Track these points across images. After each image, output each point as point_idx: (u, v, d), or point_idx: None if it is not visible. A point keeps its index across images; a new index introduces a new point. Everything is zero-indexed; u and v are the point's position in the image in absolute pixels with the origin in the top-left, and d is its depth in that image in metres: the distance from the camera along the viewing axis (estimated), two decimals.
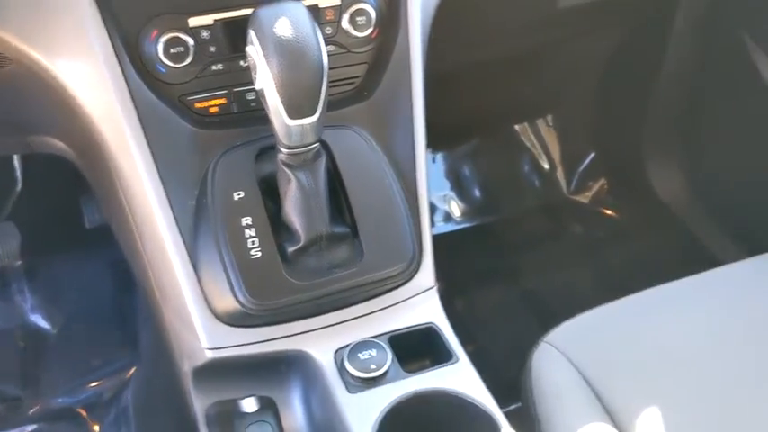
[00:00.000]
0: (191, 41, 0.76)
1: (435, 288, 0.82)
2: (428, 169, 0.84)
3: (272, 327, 0.76)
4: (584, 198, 1.65)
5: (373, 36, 0.82)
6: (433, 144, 1.64)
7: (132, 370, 1.26)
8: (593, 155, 1.65)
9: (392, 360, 0.74)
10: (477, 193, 1.66)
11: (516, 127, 1.69)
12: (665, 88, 1.39)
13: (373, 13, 0.81)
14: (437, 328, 0.79)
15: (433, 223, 1.61)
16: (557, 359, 0.83)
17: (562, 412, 0.79)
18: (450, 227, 1.61)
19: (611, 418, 0.78)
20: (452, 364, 0.76)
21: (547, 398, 0.80)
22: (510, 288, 1.44)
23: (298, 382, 0.79)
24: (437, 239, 1.57)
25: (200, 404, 0.78)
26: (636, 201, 1.57)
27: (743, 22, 1.19)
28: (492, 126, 1.68)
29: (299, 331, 0.77)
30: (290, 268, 0.75)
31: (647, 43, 1.39)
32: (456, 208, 1.64)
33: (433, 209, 1.62)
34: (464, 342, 0.77)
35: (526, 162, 1.69)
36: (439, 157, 1.67)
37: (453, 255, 1.55)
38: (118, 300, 1.35)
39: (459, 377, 0.75)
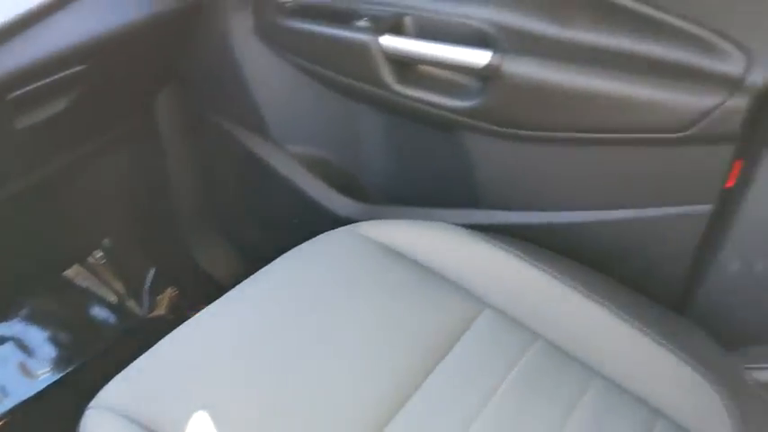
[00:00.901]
0: None
1: None
2: None
3: None
4: (162, 310, 1.66)
5: None
6: None
7: None
8: (153, 270, 1.68)
9: None
10: (45, 348, 1.54)
11: (67, 273, 1.63)
12: (181, 182, 1.51)
13: None
14: None
15: None
16: (103, 418, 0.80)
17: None
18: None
19: None
20: None
21: None
22: None
23: None
24: None
25: None
26: (208, 292, 1.64)
27: (216, 109, 1.37)
28: (39, 279, 1.59)
29: None
30: None
31: (143, 149, 1.50)
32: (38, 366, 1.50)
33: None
34: None
35: (93, 302, 1.64)
36: None
37: None
38: None
39: None
